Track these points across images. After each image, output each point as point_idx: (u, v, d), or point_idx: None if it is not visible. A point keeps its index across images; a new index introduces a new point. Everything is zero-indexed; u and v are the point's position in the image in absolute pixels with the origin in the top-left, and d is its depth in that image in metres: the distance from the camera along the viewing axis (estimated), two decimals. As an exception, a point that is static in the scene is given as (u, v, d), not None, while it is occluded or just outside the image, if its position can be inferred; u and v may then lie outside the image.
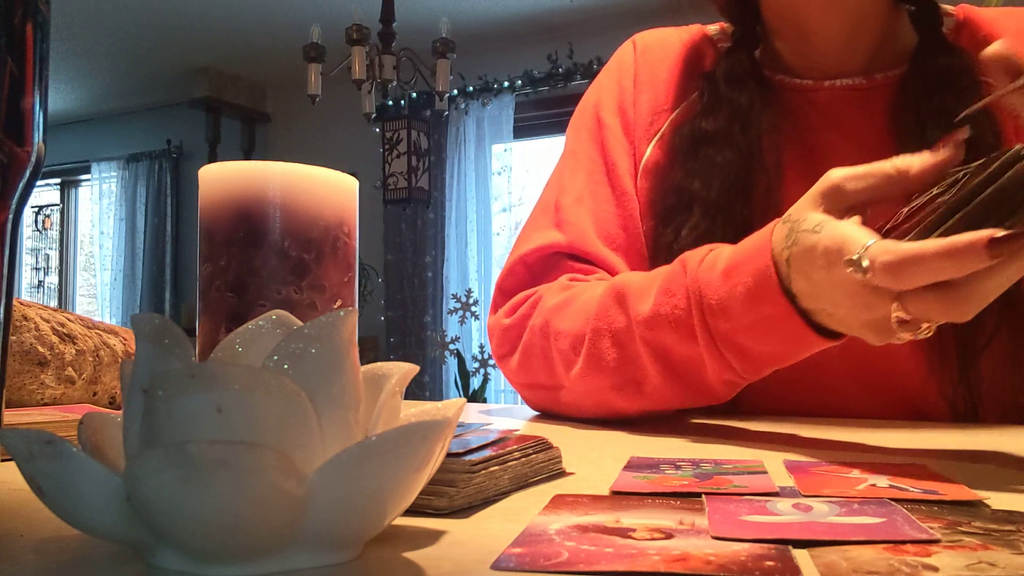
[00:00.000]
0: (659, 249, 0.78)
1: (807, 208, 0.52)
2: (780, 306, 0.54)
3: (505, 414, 0.81)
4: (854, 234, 0.47)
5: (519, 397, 0.81)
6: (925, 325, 0.47)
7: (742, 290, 0.56)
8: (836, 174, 0.51)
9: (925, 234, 0.45)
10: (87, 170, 5.91)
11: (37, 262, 6.28)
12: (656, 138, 0.82)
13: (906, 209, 0.49)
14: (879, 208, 0.52)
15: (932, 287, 0.44)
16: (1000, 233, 0.41)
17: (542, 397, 0.76)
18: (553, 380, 0.72)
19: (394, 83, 3.44)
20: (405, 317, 4.72)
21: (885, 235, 0.48)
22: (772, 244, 0.55)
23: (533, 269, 0.81)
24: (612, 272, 0.78)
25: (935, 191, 0.47)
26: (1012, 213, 0.42)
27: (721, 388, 0.63)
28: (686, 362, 0.62)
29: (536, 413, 0.78)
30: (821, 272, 0.50)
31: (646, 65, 0.86)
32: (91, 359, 0.71)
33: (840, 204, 0.51)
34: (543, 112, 4.52)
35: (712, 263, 0.60)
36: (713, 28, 0.88)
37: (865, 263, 0.45)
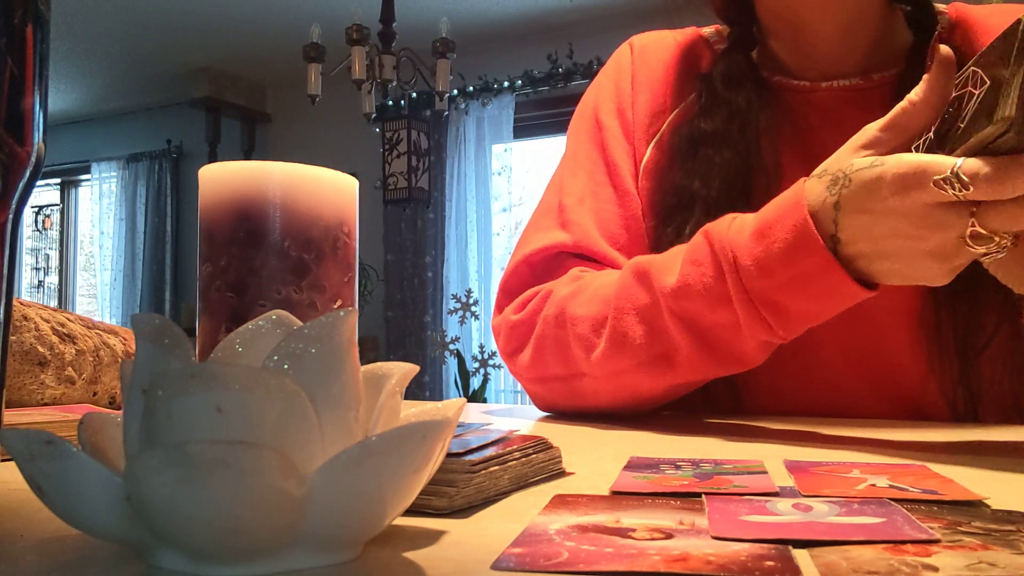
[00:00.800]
0: (661, 248, 0.78)
1: (849, 156, 0.55)
2: (822, 257, 0.55)
3: (505, 414, 0.81)
4: (930, 158, 0.50)
5: (519, 397, 0.82)
6: (999, 238, 0.49)
7: (780, 246, 0.57)
8: (871, 127, 0.54)
9: (978, 118, 0.47)
10: (87, 170, 5.91)
11: (37, 262, 6.28)
12: (655, 140, 0.83)
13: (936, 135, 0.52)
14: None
15: (1018, 197, 0.47)
16: None
17: (557, 390, 0.75)
18: (570, 369, 0.71)
19: (394, 83, 3.44)
20: (405, 317, 4.72)
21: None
22: (807, 198, 0.56)
23: (537, 269, 0.80)
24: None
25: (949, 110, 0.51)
26: None
27: (754, 351, 0.62)
28: (718, 329, 0.61)
29: (539, 414, 0.78)
30: (890, 200, 0.51)
31: (644, 67, 0.86)
32: (91, 359, 0.71)
33: (882, 149, 0.53)
34: (543, 112, 4.53)
35: (740, 228, 0.60)
36: (709, 30, 0.88)
37: (965, 177, 0.47)
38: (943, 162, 0.48)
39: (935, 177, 0.48)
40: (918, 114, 0.52)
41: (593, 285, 0.71)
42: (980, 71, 0.48)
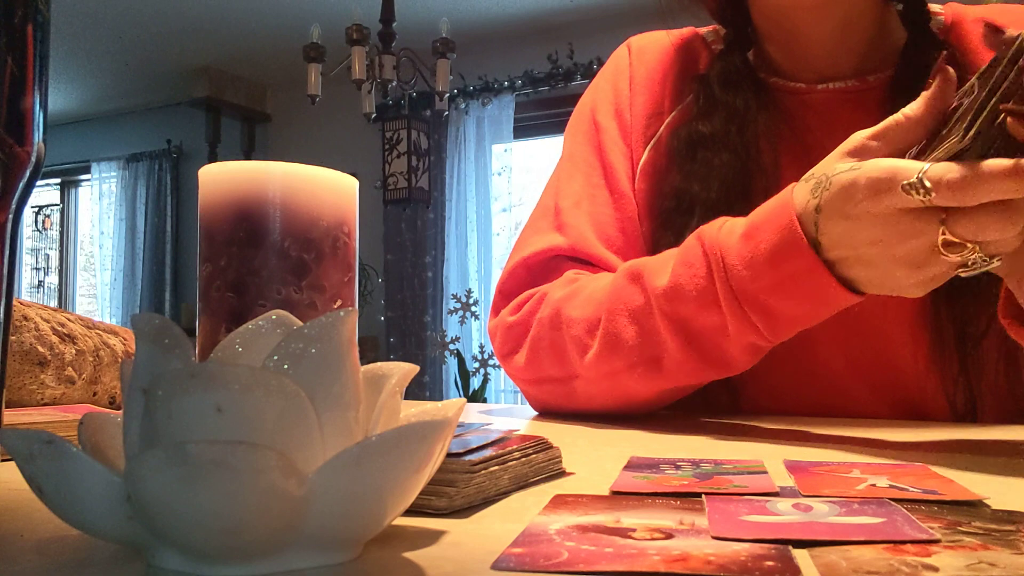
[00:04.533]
0: (660, 251, 0.78)
1: (834, 161, 0.54)
2: (807, 259, 0.55)
3: (505, 414, 0.81)
4: (903, 163, 0.49)
5: (519, 397, 0.82)
6: (971, 246, 0.48)
7: (766, 248, 0.57)
8: (858, 135, 0.54)
9: (965, 127, 0.47)
10: (87, 170, 5.91)
11: (37, 262, 6.28)
12: (653, 141, 0.83)
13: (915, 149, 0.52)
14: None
15: (985, 204, 0.46)
16: None
17: (551, 392, 0.75)
18: (565, 371, 0.71)
19: (394, 83, 3.44)
20: (405, 317, 4.72)
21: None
22: (794, 201, 0.56)
23: (534, 272, 0.81)
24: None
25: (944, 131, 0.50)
26: None
27: (742, 355, 0.62)
28: (707, 332, 0.62)
29: (536, 413, 0.78)
30: (863, 204, 0.51)
31: (641, 68, 0.86)
32: (91, 359, 0.71)
33: (867, 158, 0.53)
34: (543, 112, 4.52)
35: (731, 230, 0.60)
36: (707, 30, 0.88)
37: (928, 183, 0.47)
38: (911, 167, 0.48)
39: (903, 182, 0.48)
40: (909, 128, 0.52)
41: (589, 288, 0.71)
42: (976, 83, 0.48)
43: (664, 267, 0.64)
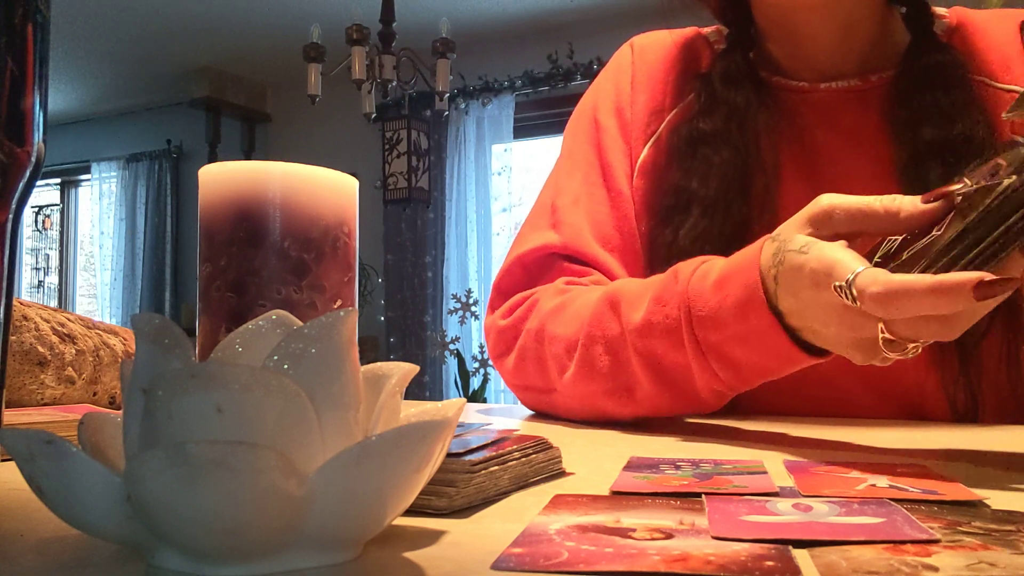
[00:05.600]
0: (657, 249, 0.78)
1: (794, 229, 0.53)
2: (766, 320, 0.55)
3: (505, 414, 0.81)
4: (843, 259, 0.48)
5: (518, 397, 0.82)
6: (912, 345, 0.48)
7: (731, 302, 0.57)
8: (825, 200, 0.52)
9: (921, 265, 0.45)
10: (87, 170, 5.91)
11: (37, 262, 6.28)
12: (653, 139, 0.83)
13: (901, 240, 0.50)
14: (866, 240, 0.53)
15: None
16: (989, 277, 0.41)
17: (536, 399, 0.76)
18: (546, 384, 0.72)
19: (394, 83, 3.44)
20: (405, 317, 4.72)
21: (878, 264, 0.48)
22: (760, 260, 0.56)
23: (530, 270, 0.81)
24: (607, 273, 0.78)
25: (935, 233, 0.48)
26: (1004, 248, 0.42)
27: (710, 397, 0.63)
28: (676, 370, 0.62)
29: (533, 413, 0.78)
30: (808, 292, 0.51)
31: (643, 67, 0.86)
32: (91, 359, 0.71)
33: (827, 230, 0.52)
34: (543, 112, 4.52)
35: (704, 274, 0.60)
36: (709, 30, 0.89)
37: (854, 291, 0.46)
38: (847, 267, 0.47)
39: (834, 283, 0.47)
40: (879, 221, 0.50)
41: (575, 304, 0.71)
42: (963, 210, 0.45)
43: (641, 300, 0.64)
